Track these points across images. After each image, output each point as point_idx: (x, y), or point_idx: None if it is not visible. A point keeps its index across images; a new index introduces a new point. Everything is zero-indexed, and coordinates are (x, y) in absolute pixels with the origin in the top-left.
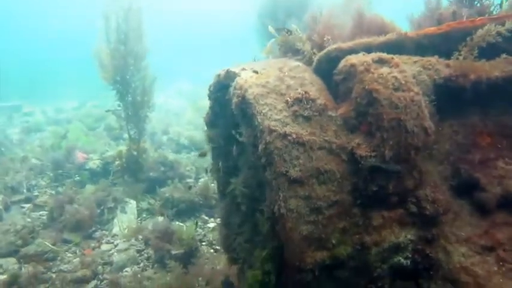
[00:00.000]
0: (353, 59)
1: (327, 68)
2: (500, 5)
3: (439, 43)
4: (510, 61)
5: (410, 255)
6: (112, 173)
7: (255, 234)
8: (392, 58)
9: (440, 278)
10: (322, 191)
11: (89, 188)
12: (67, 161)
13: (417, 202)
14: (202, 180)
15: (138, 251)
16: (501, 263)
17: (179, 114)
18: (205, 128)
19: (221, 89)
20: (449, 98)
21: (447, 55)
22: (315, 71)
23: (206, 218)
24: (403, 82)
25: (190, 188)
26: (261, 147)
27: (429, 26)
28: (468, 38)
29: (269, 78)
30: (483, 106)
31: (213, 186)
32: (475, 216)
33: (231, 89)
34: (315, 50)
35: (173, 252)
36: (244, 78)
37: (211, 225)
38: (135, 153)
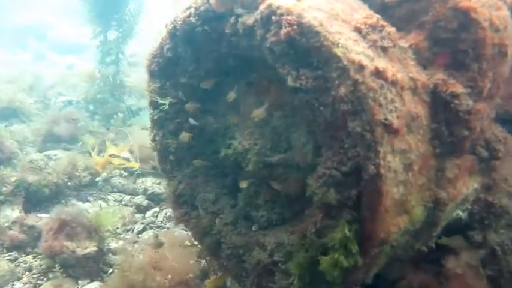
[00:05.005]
0: None
1: None
2: None
3: None
4: None
5: (469, 207)
6: None
7: (252, 209)
8: None
9: (504, 226)
10: (413, 142)
11: None
12: None
13: (487, 145)
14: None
15: (13, 261)
16: None
17: None
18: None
19: (210, 20)
20: None
21: None
22: None
23: (79, 203)
24: None
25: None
26: (344, 90)
27: None
28: None
29: (317, 0)
30: None
31: (82, 160)
32: None
33: (253, 18)
34: None
35: (80, 252)
36: (280, 1)
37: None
38: None
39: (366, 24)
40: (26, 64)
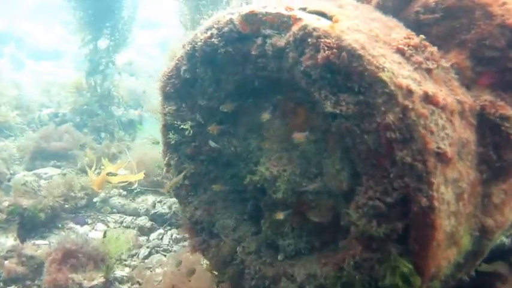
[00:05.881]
0: None
1: (394, 5)
2: None
3: None
4: None
5: None
6: None
7: (277, 237)
8: None
9: None
10: (464, 169)
11: None
12: None
13: None
14: (19, 176)
15: None
16: None
17: None
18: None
19: (233, 41)
20: None
21: None
22: (379, 9)
23: (77, 226)
24: None
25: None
26: (392, 117)
27: None
28: None
29: (353, 20)
30: None
31: (78, 180)
32: None
33: (284, 40)
34: None
35: (86, 285)
36: (315, 22)
37: (93, 234)
38: None
39: (408, 45)
40: (3, 73)
